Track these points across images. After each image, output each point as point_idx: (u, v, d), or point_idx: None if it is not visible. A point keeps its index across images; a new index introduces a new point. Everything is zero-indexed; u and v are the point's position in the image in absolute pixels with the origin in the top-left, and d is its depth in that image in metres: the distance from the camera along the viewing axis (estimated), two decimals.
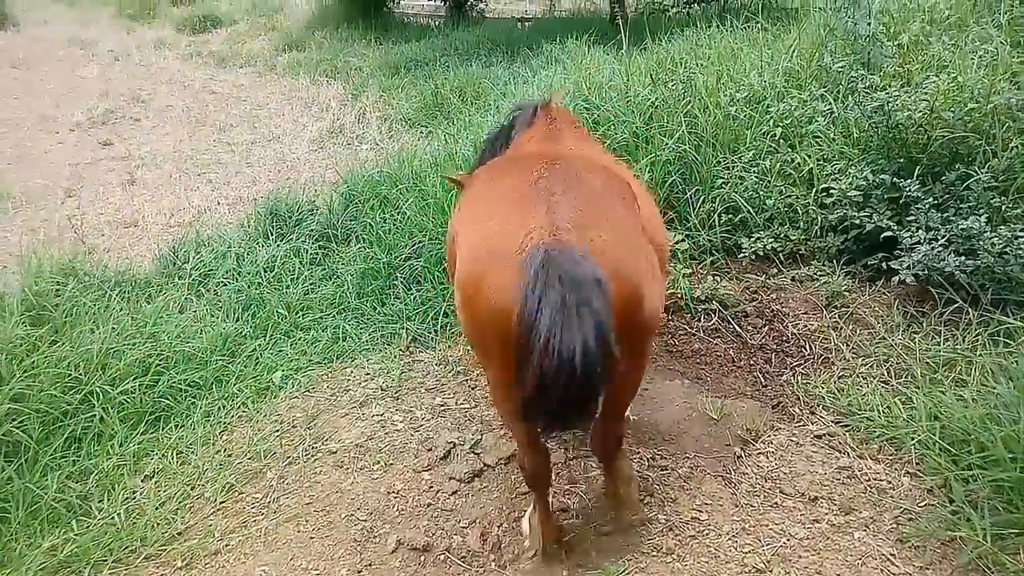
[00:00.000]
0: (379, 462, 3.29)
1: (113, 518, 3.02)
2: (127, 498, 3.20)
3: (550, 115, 3.06)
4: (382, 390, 3.86)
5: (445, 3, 17.69)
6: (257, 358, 4.26)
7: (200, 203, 7.73)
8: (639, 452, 3.17)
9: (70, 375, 3.65)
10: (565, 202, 2.15)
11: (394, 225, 5.07)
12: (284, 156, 9.29)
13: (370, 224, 5.23)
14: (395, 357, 4.15)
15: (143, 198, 7.99)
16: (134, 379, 3.86)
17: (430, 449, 3.31)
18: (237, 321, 4.68)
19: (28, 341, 3.72)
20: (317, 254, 5.28)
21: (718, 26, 8.16)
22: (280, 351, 4.34)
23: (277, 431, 3.60)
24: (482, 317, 2.17)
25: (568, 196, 2.17)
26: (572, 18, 15.40)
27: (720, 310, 4.03)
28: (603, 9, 16.10)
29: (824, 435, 3.20)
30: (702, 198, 4.55)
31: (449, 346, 4.14)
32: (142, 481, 3.33)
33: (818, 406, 3.36)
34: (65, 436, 3.41)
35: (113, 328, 4.27)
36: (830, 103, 4.81)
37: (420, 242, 4.76)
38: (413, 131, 9.57)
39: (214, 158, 9.41)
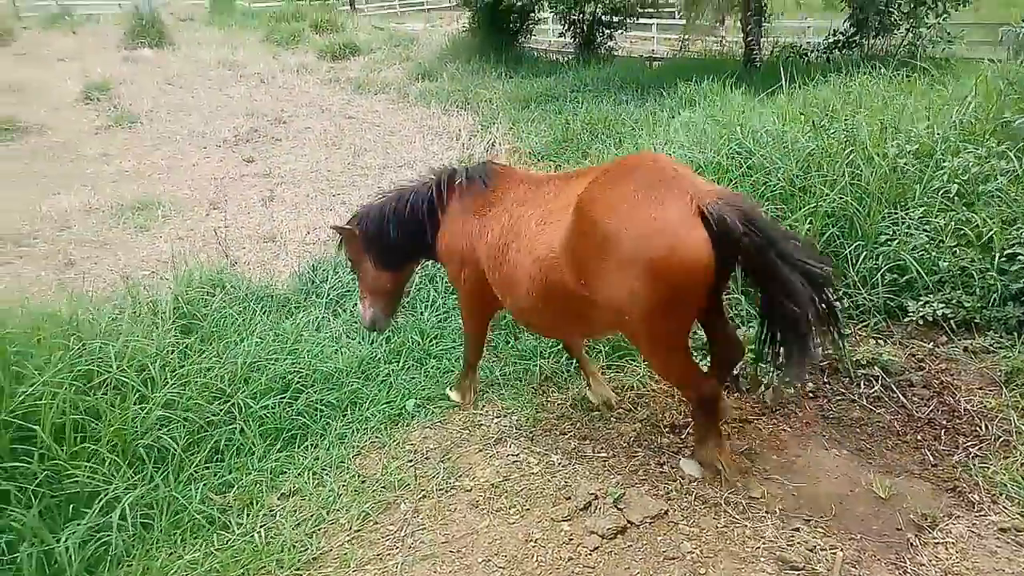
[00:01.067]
0: (515, 505, 3.17)
1: (252, 536, 3.02)
2: (264, 515, 3.20)
3: (505, 171, 3.62)
4: (516, 429, 3.75)
5: (574, 40, 17.81)
6: (390, 383, 4.25)
7: (334, 223, 7.91)
8: (796, 525, 2.92)
9: (216, 386, 3.71)
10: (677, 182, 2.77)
11: None
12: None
13: None
14: (527, 395, 4.04)
15: (281, 215, 8.27)
16: (274, 395, 3.91)
17: (569, 498, 3.17)
18: (372, 344, 4.70)
19: (179, 349, 3.82)
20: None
21: (868, 73, 7.81)
22: (412, 378, 4.31)
23: (411, 461, 3.54)
24: (678, 278, 2.62)
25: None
26: (703, 59, 15.18)
27: (883, 377, 3.72)
28: (734, 51, 15.80)
29: (1009, 528, 2.86)
30: (863, 255, 4.26)
31: (586, 386, 3.99)
32: (279, 499, 3.33)
33: (1000, 495, 3.02)
34: (208, 447, 3.45)
35: (256, 342, 4.37)
36: (1012, 161, 4.44)
37: None
38: (542, 164, 9.56)
39: (348, 180, 9.68)
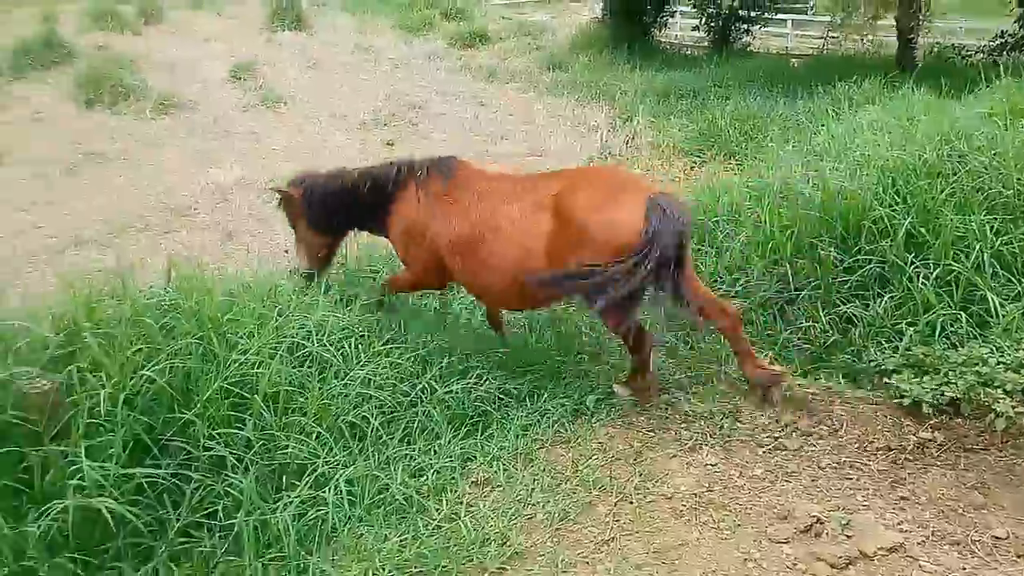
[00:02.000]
0: (724, 520, 2.98)
1: (455, 523, 2.94)
2: (457, 502, 3.13)
3: (468, 166, 4.08)
4: (709, 436, 3.55)
5: (708, 34, 17.32)
6: (565, 377, 4.13)
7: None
8: None
9: (406, 367, 3.67)
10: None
11: (710, 260, 4.78)
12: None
13: None
14: (715, 401, 3.84)
15: None
16: (457, 380, 3.85)
17: (784, 517, 2.95)
18: (543, 336, 4.60)
19: (375, 328, 3.80)
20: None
21: None
22: (587, 373, 4.18)
23: (601, 462, 3.40)
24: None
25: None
26: (850, 57, 14.46)
27: None
28: (880, 50, 14.99)
29: None
30: None
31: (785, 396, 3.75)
32: (470, 487, 3.25)
33: None
34: (402, 429, 3.41)
35: (429, 323, 4.34)
36: None
37: (745, 279, 4.43)
38: (686, 159, 9.28)
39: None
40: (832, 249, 4.36)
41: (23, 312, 3.09)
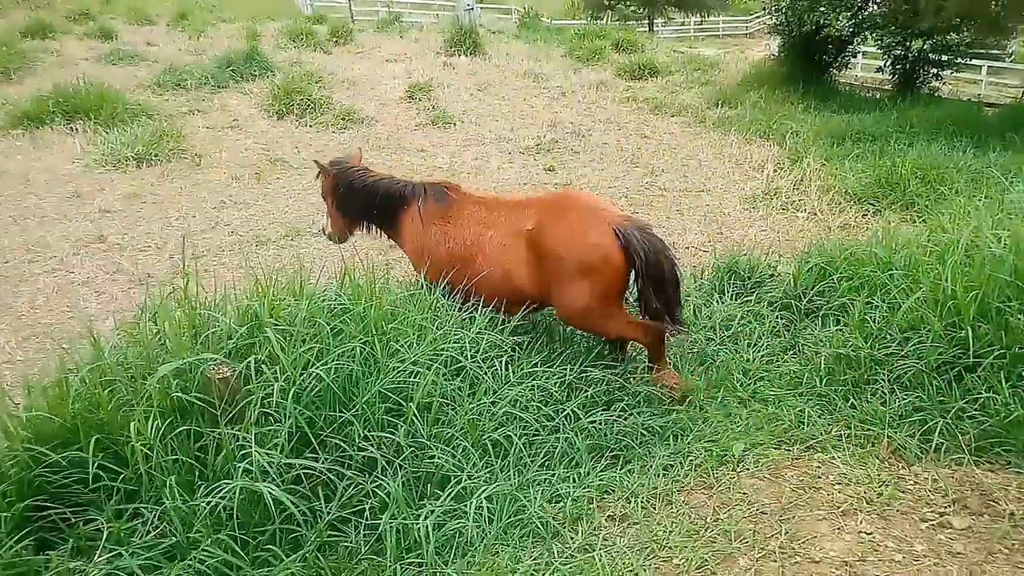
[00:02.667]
0: None
1: (590, 555, 2.92)
2: (592, 534, 3.10)
3: (457, 192, 4.54)
4: (865, 502, 3.34)
5: (893, 77, 16.43)
6: (711, 420, 4.02)
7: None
8: None
9: (552, 392, 3.71)
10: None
11: (880, 314, 4.51)
12: (714, 210, 9.14)
13: (847, 305, 4.73)
14: (874, 465, 3.60)
15: None
16: (602, 410, 3.84)
17: None
18: (692, 373, 4.51)
19: (525, 350, 3.87)
20: (778, 323, 4.92)
21: None
22: (736, 419, 4.05)
23: (745, 513, 3.27)
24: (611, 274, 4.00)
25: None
26: None
27: None
28: None
29: None
30: None
31: (950, 472, 3.47)
32: (606, 521, 3.22)
33: None
34: (543, 453, 3.44)
35: (580, 351, 4.36)
36: None
37: (919, 339, 4.14)
38: (859, 207, 8.82)
39: (645, 200, 9.59)
40: (1022, 316, 4.00)
41: (212, 304, 3.38)
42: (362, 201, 4.72)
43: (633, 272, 4.07)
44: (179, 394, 2.80)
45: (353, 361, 3.14)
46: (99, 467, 2.71)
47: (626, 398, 4.01)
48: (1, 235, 7.37)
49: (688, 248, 7.75)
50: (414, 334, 3.45)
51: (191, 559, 2.56)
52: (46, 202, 8.33)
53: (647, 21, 34.80)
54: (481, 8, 28.34)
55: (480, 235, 4.28)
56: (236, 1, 32.40)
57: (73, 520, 2.71)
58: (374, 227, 4.90)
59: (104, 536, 2.62)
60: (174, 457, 2.73)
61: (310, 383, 2.98)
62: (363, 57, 17.37)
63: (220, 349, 3.01)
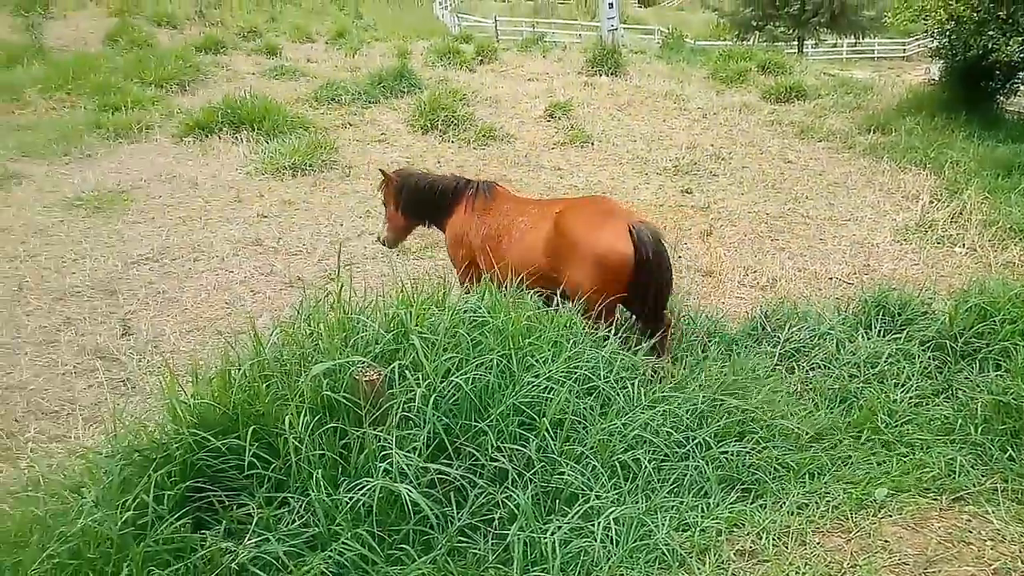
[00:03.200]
0: None
1: None
2: (720, 567, 3.03)
3: (501, 190, 5.31)
4: (1020, 562, 3.09)
5: None
6: (852, 461, 3.84)
7: (774, 269, 7.61)
8: None
9: (683, 418, 3.66)
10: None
11: None
12: (862, 240, 8.73)
13: (1010, 349, 4.40)
14: None
15: (719, 250, 8.18)
16: (734, 441, 3.75)
17: None
18: (830, 412, 4.33)
19: (638, 372, 3.85)
20: (930, 364, 4.65)
21: None
22: (878, 462, 3.85)
23: (885, 563, 3.10)
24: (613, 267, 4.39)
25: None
26: None
27: None
28: None
29: None
30: None
31: None
32: (735, 555, 3.14)
33: None
34: (672, 479, 3.40)
35: (710, 380, 4.27)
36: None
37: None
38: None
39: (787, 226, 9.28)
40: None
41: (361, 309, 3.56)
42: (424, 198, 5.42)
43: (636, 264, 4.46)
44: (329, 393, 2.97)
45: (490, 373, 3.22)
46: (253, 455, 2.91)
47: (760, 431, 3.90)
48: (171, 234, 8.03)
49: (832, 279, 7.45)
50: (549, 350, 3.50)
51: (331, 550, 2.70)
52: (211, 205, 9.01)
53: (796, 42, 33.66)
54: (624, 28, 28.36)
55: (512, 221, 4.91)
56: (390, 20, 33.96)
57: (227, 503, 2.92)
58: (429, 222, 5.61)
59: (254, 521, 2.80)
60: (321, 452, 2.90)
61: (449, 391, 3.08)
62: (506, 76, 17.75)
63: (368, 353, 3.17)
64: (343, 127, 12.80)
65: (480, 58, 18.77)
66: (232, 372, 3.06)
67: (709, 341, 4.91)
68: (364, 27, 29.58)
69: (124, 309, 6.27)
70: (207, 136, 11.38)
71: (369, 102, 14.04)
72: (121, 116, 11.76)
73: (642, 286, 4.49)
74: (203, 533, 2.84)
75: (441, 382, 3.10)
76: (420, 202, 5.44)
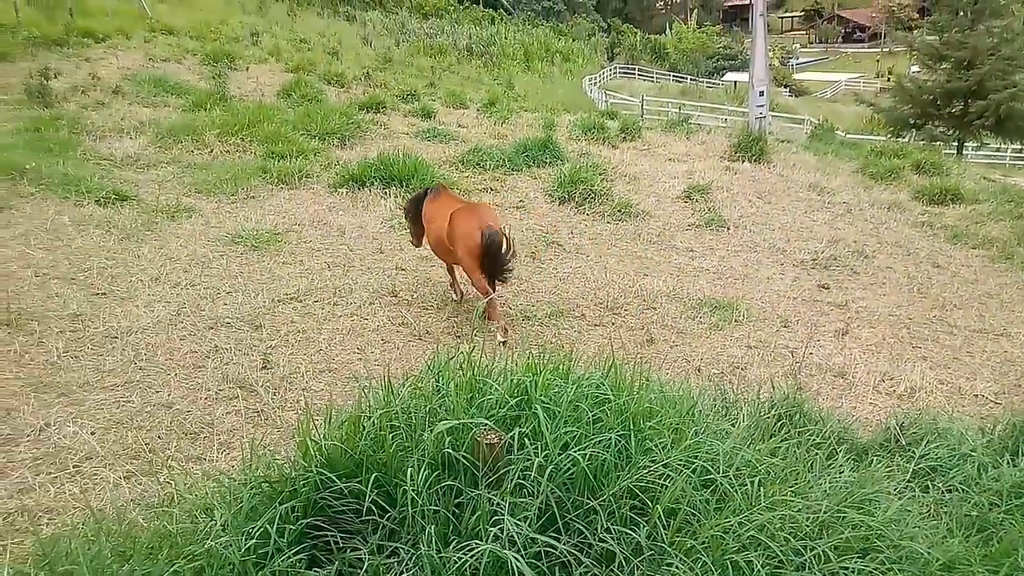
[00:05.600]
0: None
1: None
2: None
3: (445, 191, 8.26)
4: None
5: None
6: None
7: (913, 378, 7.20)
8: None
9: (802, 526, 3.49)
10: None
11: None
12: (1014, 358, 8.14)
13: None
14: None
15: (854, 352, 7.84)
16: (854, 556, 3.54)
17: None
18: (966, 540, 4.01)
19: (779, 472, 3.71)
20: None
21: None
22: None
23: None
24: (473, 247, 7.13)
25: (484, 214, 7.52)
26: None
27: None
28: None
29: None
30: None
31: None
32: None
33: None
34: None
35: (832, 487, 4.06)
36: None
37: None
38: None
39: (931, 334, 8.79)
40: None
41: (488, 371, 3.66)
42: (417, 208, 8.30)
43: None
44: (450, 451, 3.05)
45: (607, 451, 3.21)
46: (372, 502, 3.02)
47: (886, 550, 3.66)
48: (315, 277, 8.51)
49: (977, 396, 6.96)
50: (669, 436, 3.46)
51: None
52: (355, 254, 9.51)
53: (956, 144, 32.16)
54: (773, 116, 28.09)
55: (437, 214, 7.78)
56: (540, 93, 35.16)
57: (342, 544, 3.03)
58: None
59: (364, 566, 2.89)
60: (435, 508, 2.97)
61: (565, 465, 3.10)
62: (647, 154, 17.92)
63: (491, 416, 3.24)
64: (485, 191, 13.25)
65: (624, 135, 19.05)
66: (363, 419, 3.21)
67: (837, 447, 4.67)
68: (514, 97, 30.75)
69: (266, 343, 6.67)
70: (359, 188, 12.06)
71: (512, 169, 14.48)
72: (285, 163, 12.66)
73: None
74: (316, 571, 2.95)
75: (559, 454, 3.12)
76: (416, 211, 8.32)
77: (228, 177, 11.82)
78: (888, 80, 51.56)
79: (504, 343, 7.21)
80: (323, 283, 8.34)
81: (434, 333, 7.40)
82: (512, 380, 3.48)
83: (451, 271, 8.47)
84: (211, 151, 13.63)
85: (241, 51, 25.88)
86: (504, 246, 7.20)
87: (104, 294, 7.36)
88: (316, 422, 3.50)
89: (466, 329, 7.53)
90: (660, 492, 3.16)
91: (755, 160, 17.68)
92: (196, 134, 13.95)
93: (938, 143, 29.36)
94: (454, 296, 8.48)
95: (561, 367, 3.79)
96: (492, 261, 7.23)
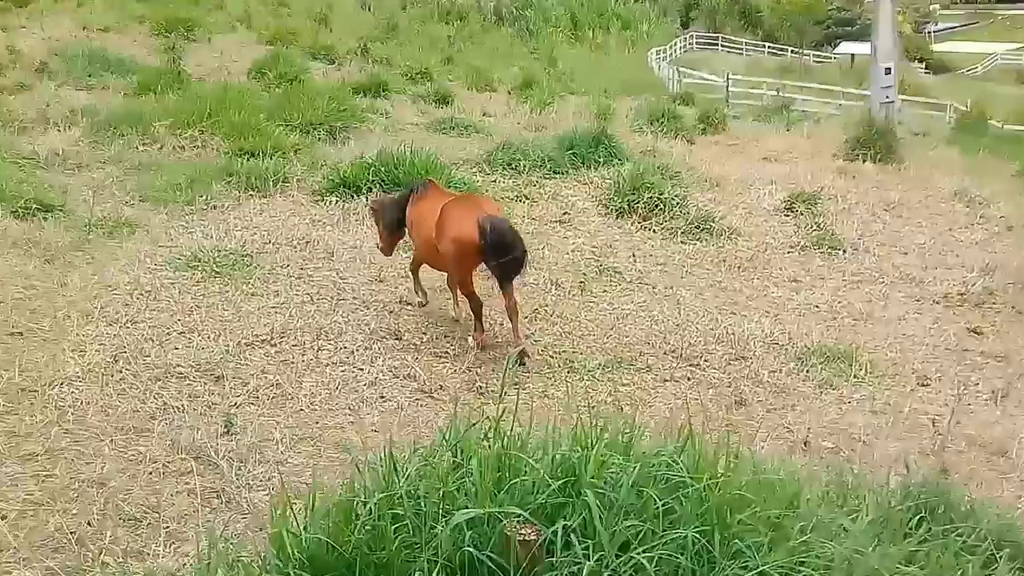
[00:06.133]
0: None
1: None
2: None
3: (435, 186, 8.98)
4: None
5: None
6: None
7: None
8: None
9: None
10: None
11: None
12: None
13: None
14: None
15: (1018, 421, 7.72)
16: None
17: None
18: None
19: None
20: None
21: None
22: None
23: None
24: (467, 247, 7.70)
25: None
26: None
27: None
28: None
29: None
30: None
31: None
32: None
33: None
34: None
35: None
36: None
37: None
38: None
39: None
40: None
41: (523, 443, 3.66)
42: (393, 216, 9.10)
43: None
44: (471, 549, 3.05)
45: (683, 554, 3.19)
46: None
47: None
48: (295, 313, 8.59)
49: None
50: (766, 534, 3.43)
51: None
52: (347, 283, 9.60)
53: None
54: (903, 100, 27.99)
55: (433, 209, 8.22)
56: (591, 70, 35.45)
57: None
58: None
59: None
60: None
61: (626, 571, 3.08)
62: (735, 152, 17.97)
63: (526, 504, 3.23)
64: (517, 199, 13.32)
65: (703, 126, 19.17)
66: (357, 505, 3.22)
67: (997, 553, 4.57)
68: (557, 77, 31.02)
69: (230, 400, 6.74)
70: (353, 196, 12.18)
71: (553, 171, 14.55)
72: (257, 163, 12.84)
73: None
74: None
75: (616, 556, 3.10)
76: (393, 219, 9.06)
77: (183, 181, 12.03)
78: None
79: (479, 347, 8.19)
80: (304, 321, 8.43)
81: (450, 389, 7.41)
82: (555, 455, 3.47)
83: (452, 286, 9.03)
84: (161, 147, 13.91)
85: (202, 17, 26.53)
86: (511, 235, 7.77)
87: (20, 334, 7.49)
88: (295, 507, 3.52)
89: (493, 383, 7.50)
90: None
91: (880, 160, 17.62)
92: (143, 125, 14.24)
93: None
94: (453, 314, 9.06)
95: (620, 438, 3.77)
96: (499, 254, 7.66)
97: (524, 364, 7.91)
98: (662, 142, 17.55)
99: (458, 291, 8.62)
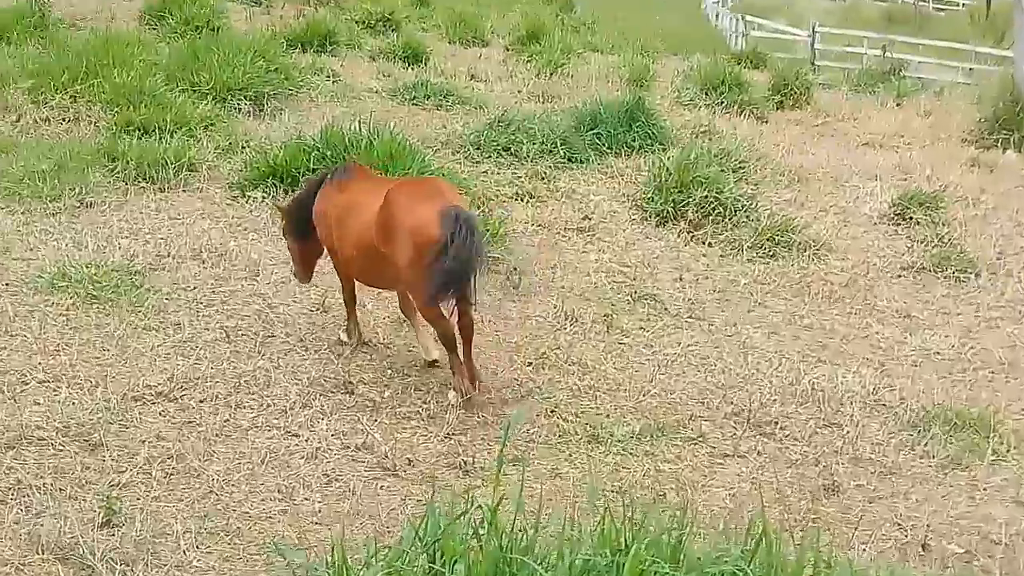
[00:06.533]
0: None
1: None
2: None
3: (364, 170, 9.50)
4: None
5: None
6: None
7: None
8: None
9: None
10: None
11: None
12: None
13: None
14: None
15: None
16: None
17: None
18: None
19: None
20: None
21: None
22: None
23: None
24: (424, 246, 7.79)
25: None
26: None
27: None
28: None
29: None
30: None
31: None
32: None
33: None
34: None
35: None
36: None
37: None
38: None
39: None
40: None
41: (526, 540, 3.65)
42: (302, 216, 9.23)
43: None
44: None
45: None
46: None
47: None
48: (203, 355, 8.58)
49: None
50: None
51: None
52: (276, 312, 9.60)
53: None
54: None
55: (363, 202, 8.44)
56: (625, 19, 35.45)
57: None
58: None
59: None
60: None
61: None
62: (823, 134, 18.01)
63: None
64: (516, 198, 13.31)
65: (779, 97, 19.19)
66: None
67: None
68: (575, 26, 31.02)
69: (110, 478, 6.70)
70: (287, 191, 12.10)
71: (568, 159, 14.56)
72: (151, 143, 12.82)
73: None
74: None
75: None
76: (301, 220, 9.16)
77: (47, 168, 12.01)
78: None
79: (467, 399, 8.14)
80: (217, 367, 8.42)
81: (422, 464, 7.38)
82: (574, 560, 3.47)
83: (408, 309, 8.98)
84: (18, 119, 13.91)
85: None
86: (477, 235, 7.90)
87: None
88: None
89: (484, 457, 7.45)
90: None
91: None
92: None
93: None
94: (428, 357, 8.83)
95: (665, 537, 3.77)
96: (459, 261, 7.64)
97: (468, 409, 8.11)
98: (721, 120, 17.56)
99: (417, 316, 8.66)
